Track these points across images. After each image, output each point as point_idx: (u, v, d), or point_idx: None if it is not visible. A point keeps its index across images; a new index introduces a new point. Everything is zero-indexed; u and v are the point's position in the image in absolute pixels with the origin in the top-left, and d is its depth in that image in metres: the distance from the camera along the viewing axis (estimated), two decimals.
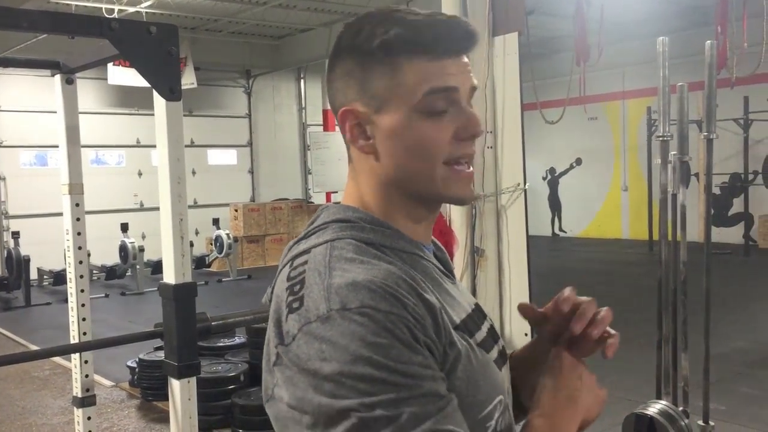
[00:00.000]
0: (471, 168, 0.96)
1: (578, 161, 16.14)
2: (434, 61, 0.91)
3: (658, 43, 3.08)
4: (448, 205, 3.37)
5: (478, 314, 1.00)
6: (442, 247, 1.07)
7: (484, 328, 0.99)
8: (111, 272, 11.44)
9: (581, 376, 1.01)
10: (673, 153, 3.16)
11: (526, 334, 3.86)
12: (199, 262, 12.15)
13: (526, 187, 3.83)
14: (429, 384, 0.81)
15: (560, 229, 16.55)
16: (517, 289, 3.88)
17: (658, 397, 3.06)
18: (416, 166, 0.93)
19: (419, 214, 0.98)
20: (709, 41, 3.10)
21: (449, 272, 1.03)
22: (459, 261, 3.91)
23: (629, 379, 5.66)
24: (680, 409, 2.66)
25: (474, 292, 3.89)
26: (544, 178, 16.48)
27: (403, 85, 0.91)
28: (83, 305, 2.88)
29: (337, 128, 0.99)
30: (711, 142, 3.17)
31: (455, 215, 3.90)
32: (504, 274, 3.92)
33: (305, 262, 0.90)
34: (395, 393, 0.79)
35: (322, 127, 13.92)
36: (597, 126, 15.27)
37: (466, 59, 0.95)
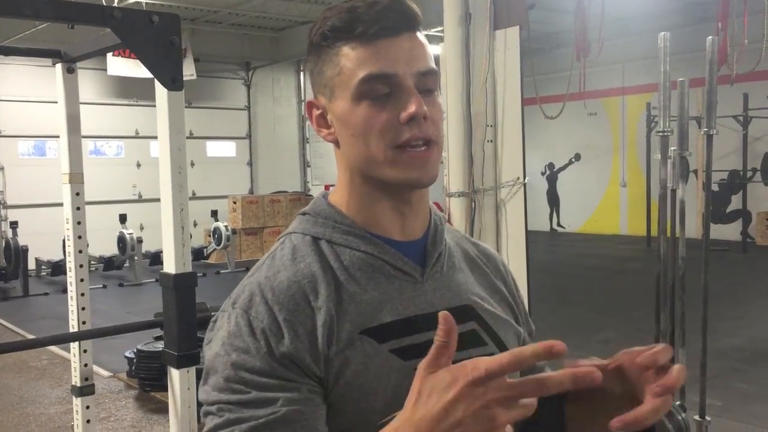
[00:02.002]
0: (428, 148, 0.93)
1: (577, 156, 16.14)
2: (369, 46, 0.92)
3: (660, 38, 3.08)
4: (447, 198, 3.33)
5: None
6: (440, 242, 1.01)
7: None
8: (109, 263, 11.44)
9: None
10: (672, 149, 3.17)
11: None
12: (197, 254, 12.14)
13: (526, 181, 3.83)
14: (270, 394, 0.85)
15: (558, 225, 16.56)
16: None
17: None
18: (363, 151, 0.94)
19: (385, 201, 0.97)
20: (710, 37, 3.10)
21: (423, 269, 0.97)
22: None
23: None
24: (677, 403, 2.67)
25: None
26: (542, 174, 16.48)
27: (345, 72, 0.93)
28: (83, 294, 2.88)
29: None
30: (711, 138, 3.18)
31: (454, 209, 3.91)
32: None
33: (267, 252, 1.01)
34: (231, 395, 0.86)
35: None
36: (596, 121, 15.27)
37: (412, 40, 0.93)
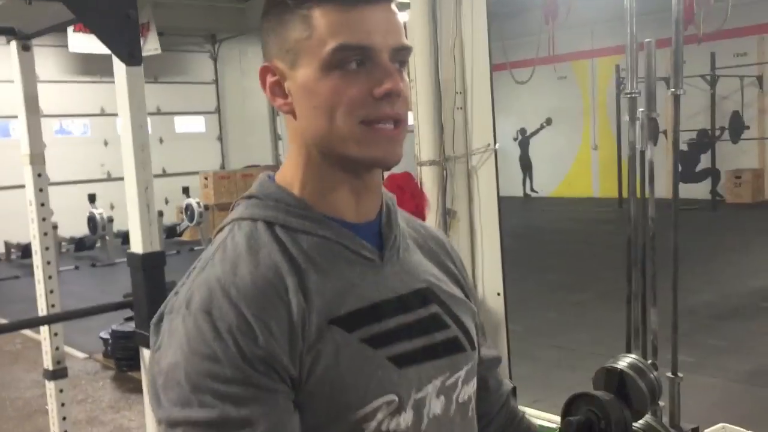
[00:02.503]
0: (397, 128, 0.88)
1: (548, 121, 16.18)
2: (346, 11, 0.84)
3: None
4: (419, 167, 3.30)
5: (408, 301, 0.92)
6: (394, 223, 0.97)
7: (405, 318, 0.91)
8: (80, 244, 11.31)
9: None
10: (641, 110, 3.17)
11: (498, 294, 3.89)
12: (170, 232, 12.03)
13: (497, 147, 3.82)
14: (243, 407, 0.77)
15: (531, 190, 16.66)
16: (489, 250, 3.90)
17: (628, 351, 3.11)
18: (326, 125, 0.86)
19: (343, 180, 0.90)
20: None
21: (381, 253, 0.93)
22: (431, 223, 3.91)
23: (601, 334, 5.77)
24: (649, 362, 2.71)
25: None
26: (514, 139, 16.52)
27: (314, 37, 0.85)
28: (50, 277, 2.83)
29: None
30: (678, 98, 3.18)
31: (426, 177, 3.90)
32: (476, 235, 3.93)
33: (212, 243, 0.91)
34: (198, 410, 0.77)
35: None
36: (566, 85, 15.29)
37: (388, 12, 0.87)
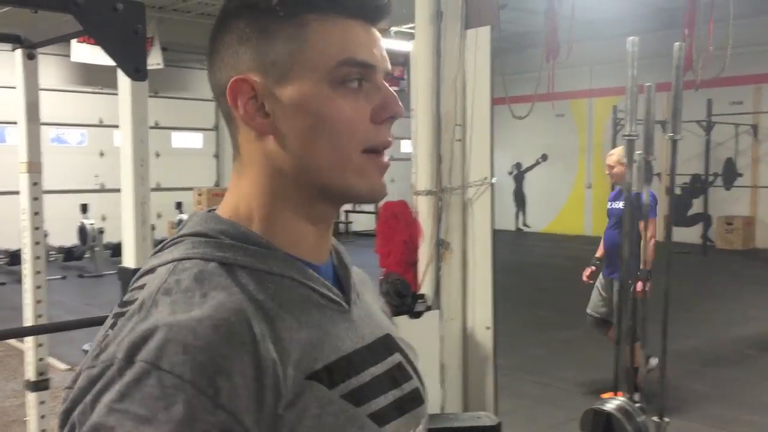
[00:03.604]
0: (386, 159, 0.80)
1: (544, 157, 16.29)
2: (346, 24, 0.76)
3: (628, 42, 3.11)
4: (415, 196, 3.29)
5: (377, 350, 0.83)
6: (347, 263, 0.88)
7: (378, 368, 0.82)
8: (69, 253, 11.24)
9: None
10: (638, 152, 3.20)
11: (487, 327, 3.88)
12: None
13: (494, 181, 3.84)
14: None
15: (524, 224, 16.70)
16: (481, 283, 3.89)
17: (615, 392, 3.10)
18: (326, 150, 0.76)
19: (316, 215, 0.80)
20: (677, 43, 3.14)
21: (346, 295, 0.84)
22: (424, 253, 3.90)
23: (588, 373, 5.75)
24: (637, 405, 2.70)
25: (438, 285, 3.89)
26: (510, 173, 16.60)
27: (313, 48, 0.75)
28: (39, 287, 2.80)
29: None
30: (676, 143, 3.22)
31: (421, 207, 3.90)
32: (468, 268, 3.93)
33: (142, 287, 0.75)
34: None
35: None
36: (564, 123, 15.42)
37: (378, 33, 0.80)
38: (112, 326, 0.72)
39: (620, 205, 4.65)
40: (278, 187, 0.79)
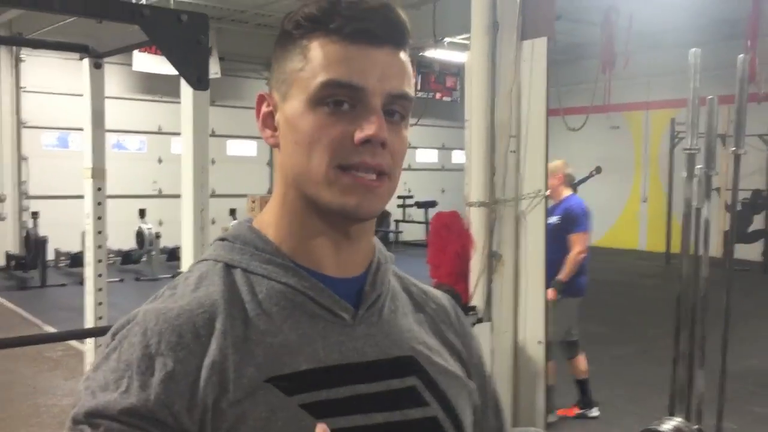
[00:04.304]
0: (379, 180, 0.80)
1: (598, 169, 15.96)
2: (342, 46, 0.78)
3: (690, 54, 3.04)
4: (468, 207, 3.29)
5: (380, 369, 0.82)
6: (380, 284, 0.87)
7: (368, 387, 0.80)
8: (127, 257, 11.51)
9: None
10: (699, 167, 3.12)
11: (539, 342, 3.83)
12: None
13: (548, 193, 3.80)
14: None
15: None
16: (533, 297, 3.85)
17: (671, 413, 3.02)
18: (303, 164, 0.79)
19: (322, 227, 0.83)
20: (741, 55, 3.06)
21: (354, 312, 0.83)
22: (476, 264, 3.88)
23: (641, 392, 5.61)
24: (695, 427, 2.62)
25: (489, 297, 3.86)
26: None
27: (307, 69, 0.79)
28: (100, 290, 2.89)
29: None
30: (739, 158, 3.13)
31: (474, 218, 3.88)
32: (521, 281, 3.89)
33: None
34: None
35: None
36: (619, 135, 15.16)
37: (392, 57, 0.80)
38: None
39: (553, 219, 4.55)
40: (286, 197, 0.84)
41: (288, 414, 0.74)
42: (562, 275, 4.69)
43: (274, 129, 0.84)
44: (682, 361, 3.12)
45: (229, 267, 0.82)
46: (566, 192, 4.93)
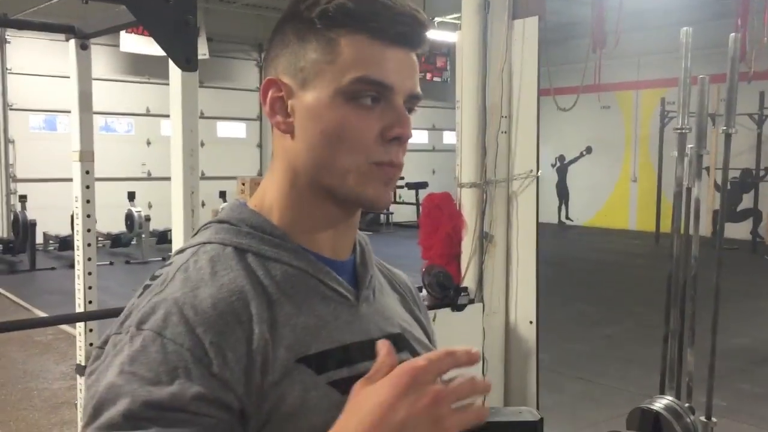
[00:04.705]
0: (397, 171, 0.86)
1: (588, 150, 16.05)
2: (375, 43, 0.82)
3: (682, 33, 3.03)
4: (459, 189, 3.27)
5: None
6: (369, 264, 0.93)
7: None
8: (116, 240, 11.47)
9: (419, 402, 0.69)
10: (690, 146, 3.12)
11: (531, 322, 3.85)
12: None
13: (539, 174, 3.79)
14: (176, 430, 0.70)
15: (567, 217, 16.50)
16: (524, 277, 3.85)
17: (662, 391, 3.05)
18: (330, 154, 0.82)
19: (326, 213, 0.86)
20: (732, 34, 3.04)
21: (357, 292, 0.89)
22: (467, 245, 3.88)
23: (631, 370, 5.66)
24: (686, 405, 2.64)
25: (480, 277, 3.87)
26: (552, 165, 16.40)
27: (336, 63, 0.81)
28: (90, 273, 2.87)
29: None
30: (729, 137, 3.13)
31: (465, 199, 3.87)
32: (512, 261, 3.89)
33: (170, 264, 0.84)
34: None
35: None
36: (609, 115, 15.17)
37: (413, 59, 0.86)
38: (139, 296, 0.81)
39: None
40: (294, 183, 0.86)
41: (320, 392, 0.78)
42: None
43: (287, 115, 0.85)
44: (672, 339, 3.14)
45: (239, 251, 0.83)
46: None
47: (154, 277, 0.84)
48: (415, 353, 0.90)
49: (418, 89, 0.86)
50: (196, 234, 0.89)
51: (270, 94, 0.85)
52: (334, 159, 0.82)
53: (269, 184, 0.89)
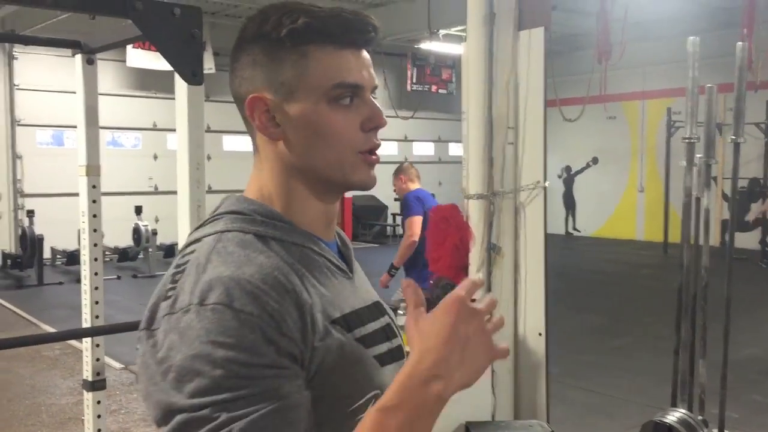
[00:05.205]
0: (376, 156, 1.00)
1: (595, 160, 16.02)
2: (340, 52, 0.95)
3: (689, 42, 3.02)
4: (466, 200, 3.24)
5: (373, 311, 1.04)
6: (349, 244, 1.11)
7: (375, 324, 1.02)
8: (123, 254, 11.47)
9: (469, 337, 0.84)
10: (698, 156, 3.10)
11: (540, 334, 3.81)
12: None
13: (546, 185, 3.77)
14: (267, 383, 0.82)
15: (574, 228, 16.44)
16: (533, 289, 3.82)
17: (674, 403, 3.01)
18: (325, 152, 0.96)
19: (323, 200, 1.01)
20: (739, 43, 3.03)
21: (348, 268, 1.05)
22: (475, 257, 3.85)
23: (642, 382, 5.61)
24: (700, 418, 2.61)
25: (489, 289, 3.84)
26: (559, 176, 16.37)
27: (312, 75, 0.94)
28: (96, 288, 2.85)
29: None
30: (738, 146, 3.11)
31: (473, 211, 3.85)
32: (520, 272, 3.87)
33: (193, 252, 0.93)
34: (226, 393, 0.80)
35: None
36: (615, 125, 15.14)
37: (368, 56, 0.99)
38: (174, 281, 0.90)
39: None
40: (290, 178, 0.99)
41: (351, 346, 0.94)
42: (395, 260, 4.94)
43: (276, 125, 0.96)
44: (683, 351, 3.11)
45: (260, 237, 0.93)
46: (412, 186, 5.09)
47: (179, 266, 0.92)
48: (389, 316, 1.08)
49: (376, 81, 1.00)
50: (202, 226, 0.99)
51: (258, 110, 0.97)
52: (327, 155, 0.96)
53: (263, 181, 1.01)
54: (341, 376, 0.91)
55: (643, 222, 15.10)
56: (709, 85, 3.03)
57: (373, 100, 0.99)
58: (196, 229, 1.00)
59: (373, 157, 0.99)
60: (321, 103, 0.94)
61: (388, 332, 1.05)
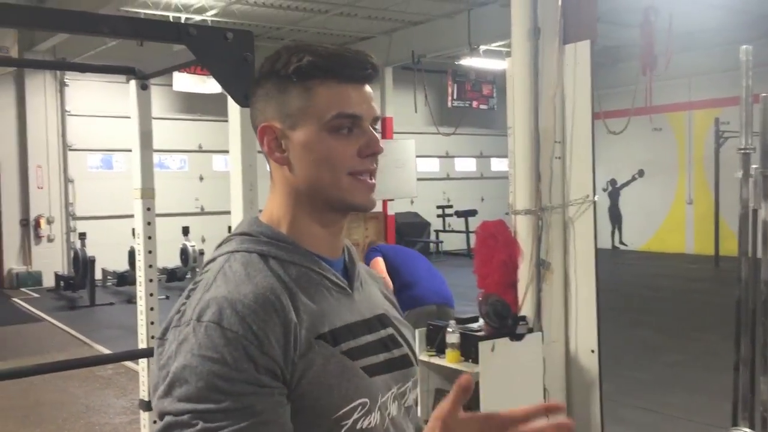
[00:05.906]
0: (373, 180, 1.09)
1: (641, 173, 15.76)
2: (341, 86, 1.06)
3: (742, 51, 2.96)
4: (513, 216, 3.22)
5: (372, 324, 1.12)
6: (356, 260, 1.18)
7: (371, 337, 1.09)
8: (172, 274, 11.65)
9: None
10: (754, 166, 3.03)
11: (592, 351, 3.75)
12: None
13: (596, 199, 3.72)
14: (246, 399, 0.92)
15: (621, 242, 16.17)
16: (584, 305, 3.76)
17: (735, 422, 2.92)
18: (323, 176, 1.06)
19: (326, 221, 1.10)
20: None
21: (349, 284, 1.12)
22: (524, 273, 3.82)
23: (699, 400, 5.47)
24: None
25: (538, 306, 3.80)
26: (604, 190, 16.13)
27: (315, 106, 1.05)
28: (152, 309, 2.91)
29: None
30: None
31: (520, 227, 3.82)
32: (570, 288, 3.81)
33: (207, 271, 1.06)
34: (206, 404, 0.91)
35: (380, 135, 13.93)
36: (661, 137, 14.88)
37: (369, 90, 1.10)
38: (188, 297, 1.02)
39: None
40: (296, 201, 1.09)
41: (336, 359, 1.02)
42: None
43: (282, 151, 1.08)
44: (743, 367, 3.02)
45: (262, 256, 1.05)
46: None
47: (195, 282, 1.05)
48: (396, 328, 1.16)
49: (378, 112, 1.11)
50: (221, 245, 1.11)
51: (267, 137, 1.09)
52: (329, 178, 1.06)
53: (274, 204, 1.11)
54: (324, 387, 1.00)
55: (692, 235, 14.77)
56: (764, 93, 2.97)
57: (373, 130, 1.08)
58: (218, 246, 1.12)
59: (366, 179, 1.08)
60: (322, 132, 1.05)
61: (388, 343, 1.13)
